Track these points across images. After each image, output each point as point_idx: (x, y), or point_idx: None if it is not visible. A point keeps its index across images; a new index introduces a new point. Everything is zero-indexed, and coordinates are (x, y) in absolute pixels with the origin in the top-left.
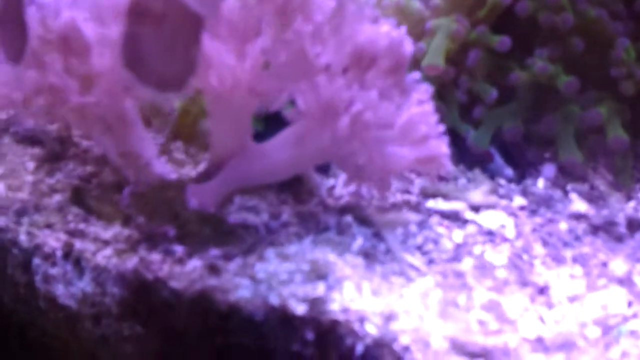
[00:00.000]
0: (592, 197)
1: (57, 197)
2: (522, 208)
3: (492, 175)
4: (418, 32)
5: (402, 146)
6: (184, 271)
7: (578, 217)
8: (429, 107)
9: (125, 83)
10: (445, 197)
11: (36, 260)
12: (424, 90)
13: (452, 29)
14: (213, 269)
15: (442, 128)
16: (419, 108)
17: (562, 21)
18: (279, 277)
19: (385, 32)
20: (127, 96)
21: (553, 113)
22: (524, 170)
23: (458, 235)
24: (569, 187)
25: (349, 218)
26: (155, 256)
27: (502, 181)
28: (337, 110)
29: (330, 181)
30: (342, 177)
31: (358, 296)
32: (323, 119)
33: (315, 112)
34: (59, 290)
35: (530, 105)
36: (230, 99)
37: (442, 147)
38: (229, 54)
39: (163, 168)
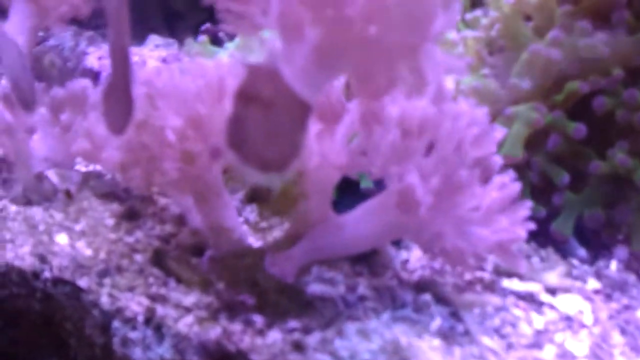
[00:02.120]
0: None
1: (137, 258)
2: (596, 292)
3: (565, 255)
4: (494, 112)
5: (484, 228)
6: (265, 344)
7: None
8: (515, 191)
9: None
10: (521, 277)
11: (116, 323)
12: (507, 174)
13: (532, 118)
14: (296, 345)
15: (526, 213)
16: (505, 192)
17: (638, 120)
18: (362, 357)
19: (475, 114)
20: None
21: (628, 202)
22: (596, 250)
23: (537, 319)
24: None
25: (426, 296)
26: (236, 326)
27: (575, 261)
28: (425, 191)
29: (403, 253)
30: (415, 250)
31: None
32: (409, 198)
33: (400, 191)
34: (137, 354)
35: (606, 193)
36: (316, 173)
37: (523, 232)
38: (318, 132)
39: (243, 233)
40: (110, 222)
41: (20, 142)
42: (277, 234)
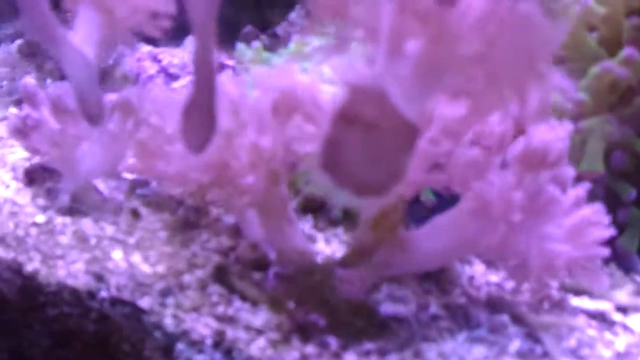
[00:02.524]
0: None
1: (198, 274)
2: None
3: (627, 270)
4: None
5: (566, 244)
6: None
7: None
8: (599, 208)
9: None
10: (590, 295)
11: (180, 346)
12: (583, 188)
13: (607, 132)
14: None
15: (610, 232)
16: (590, 210)
17: None
18: None
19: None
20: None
21: None
22: None
23: (613, 341)
24: None
25: (503, 317)
26: (311, 349)
27: (638, 278)
28: (508, 207)
29: (466, 269)
30: (477, 265)
31: None
32: (491, 214)
33: (480, 207)
34: None
35: None
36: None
37: (605, 250)
38: None
39: (307, 248)
40: (164, 234)
41: (67, 150)
42: (335, 247)
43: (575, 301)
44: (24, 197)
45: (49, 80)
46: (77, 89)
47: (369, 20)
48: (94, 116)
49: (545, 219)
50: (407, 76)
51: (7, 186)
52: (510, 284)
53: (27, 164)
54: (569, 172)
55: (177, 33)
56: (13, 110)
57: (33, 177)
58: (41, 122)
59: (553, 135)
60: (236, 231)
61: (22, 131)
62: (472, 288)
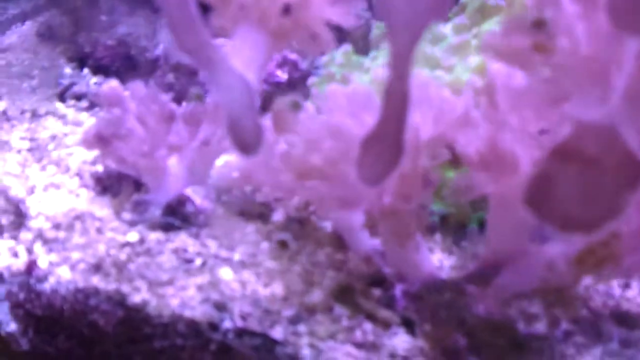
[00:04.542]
0: None
1: (318, 294)
2: None
3: None
4: None
5: None
6: None
7: None
8: None
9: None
10: None
11: None
12: None
13: None
14: None
15: None
16: None
17: None
18: None
19: None
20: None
21: None
22: None
23: None
24: None
25: (636, 331)
26: None
27: None
28: None
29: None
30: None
31: None
32: None
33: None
34: None
35: None
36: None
37: None
38: None
39: (431, 264)
40: (265, 246)
41: (158, 160)
42: (439, 256)
43: None
44: (101, 208)
45: (85, 71)
46: (231, 115)
47: (603, 57)
48: (248, 145)
49: None
50: None
51: (77, 195)
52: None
53: (90, 168)
54: None
55: None
56: (60, 105)
57: (106, 185)
58: (130, 130)
59: None
60: (339, 241)
61: (105, 139)
62: (590, 300)
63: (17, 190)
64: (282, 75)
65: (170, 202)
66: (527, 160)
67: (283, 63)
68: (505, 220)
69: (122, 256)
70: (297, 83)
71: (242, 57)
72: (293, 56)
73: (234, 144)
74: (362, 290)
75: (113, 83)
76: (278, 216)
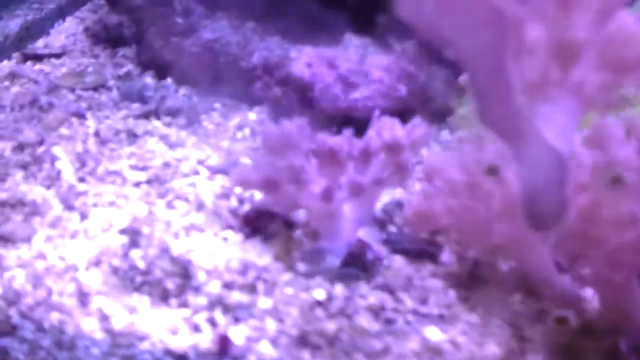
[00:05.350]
0: None
1: (535, 356)
2: None
3: None
4: None
5: None
6: None
7: None
8: None
9: None
10: None
11: None
12: None
13: None
14: None
15: None
16: None
17: None
18: None
19: None
20: None
21: None
22: None
23: None
24: None
25: None
26: None
27: None
28: None
29: None
30: None
31: None
32: None
33: None
34: None
35: None
36: None
37: None
38: None
39: None
40: (452, 294)
41: (336, 203)
42: None
43: None
44: (259, 255)
45: (168, 80)
46: (535, 190)
47: None
48: (546, 224)
49: None
50: None
51: (225, 239)
52: None
53: (228, 204)
54: None
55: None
56: (158, 124)
57: (257, 225)
58: (306, 172)
59: None
60: (525, 286)
61: (275, 182)
62: None
63: (164, 238)
64: (402, 89)
65: (351, 250)
66: None
67: (401, 76)
68: None
69: (326, 324)
70: (417, 95)
71: (555, 128)
72: (411, 68)
73: (529, 218)
74: (590, 349)
75: (287, 125)
76: (446, 256)
